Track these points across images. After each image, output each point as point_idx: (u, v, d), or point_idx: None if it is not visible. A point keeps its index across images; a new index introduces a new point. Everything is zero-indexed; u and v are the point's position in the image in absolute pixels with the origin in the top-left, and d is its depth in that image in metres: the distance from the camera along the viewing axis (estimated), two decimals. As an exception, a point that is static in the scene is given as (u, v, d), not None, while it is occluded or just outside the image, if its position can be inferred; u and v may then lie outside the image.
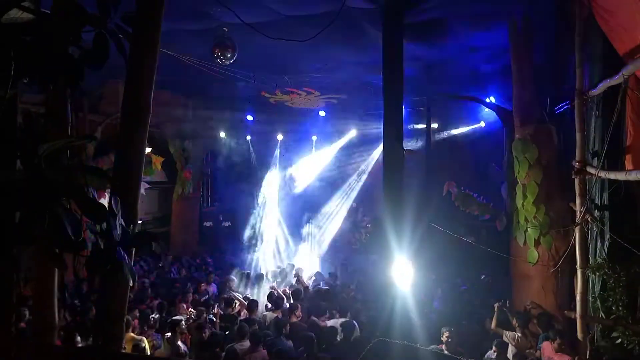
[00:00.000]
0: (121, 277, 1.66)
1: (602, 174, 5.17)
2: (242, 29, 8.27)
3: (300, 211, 15.91)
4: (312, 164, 16.41)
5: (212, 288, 9.91)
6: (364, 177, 15.77)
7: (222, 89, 12.17)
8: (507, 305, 7.28)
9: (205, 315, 7.56)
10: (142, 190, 12.14)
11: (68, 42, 1.65)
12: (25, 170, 1.48)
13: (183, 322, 6.83)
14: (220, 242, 15.82)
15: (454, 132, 14.01)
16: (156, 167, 12.00)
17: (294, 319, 7.20)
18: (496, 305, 7.12)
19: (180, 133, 14.69)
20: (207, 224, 16.85)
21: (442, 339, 6.43)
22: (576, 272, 5.93)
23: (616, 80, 4.56)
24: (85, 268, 1.64)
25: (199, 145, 15.53)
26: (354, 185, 15.91)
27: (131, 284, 2.30)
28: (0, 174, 1.44)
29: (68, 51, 1.66)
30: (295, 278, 10.19)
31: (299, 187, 16.48)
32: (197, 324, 6.96)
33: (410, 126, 12.71)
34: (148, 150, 12.56)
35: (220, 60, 8.44)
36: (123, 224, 1.74)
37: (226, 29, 8.04)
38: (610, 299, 5.65)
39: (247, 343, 6.07)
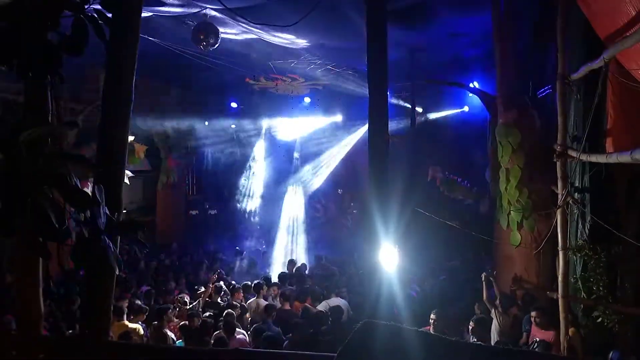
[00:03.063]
0: (106, 266, 1.64)
1: (583, 157, 5.25)
2: (224, 14, 8.19)
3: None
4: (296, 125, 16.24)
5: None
6: (347, 148, 15.66)
7: (205, 77, 12.02)
8: (495, 275, 7.36)
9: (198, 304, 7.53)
10: (126, 179, 12.03)
11: (46, 27, 1.60)
12: (5, 159, 1.45)
13: (170, 310, 6.82)
14: (207, 231, 15.77)
15: (438, 115, 14.05)
16: (139, 155, 11.84)
17: (283, 305, 7.25)
18: (483, 275, 7.20)
19: (163, 121, 14.50)
20: (193, 212, 16.75)
21: (429, 321, 6.54)
22: (558, 253, 6.04)
23: (597, 64, 4.60)
24: (70, 257, 1.62)
25: (183, 133, 15.34)
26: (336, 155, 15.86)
27: (117, 272, 2.29)
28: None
29: (46, 37, 1.62)
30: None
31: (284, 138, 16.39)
32: (190, 312, 6.93)
33: (395, 100, 12.64)
34: (131, 138, 12.38)
35: (203, 46, 8.32)
36: (107, 212, 1.73)
37: (207, 14, 7.91)
38: (591, 280, 5.78)
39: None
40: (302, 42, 9.83)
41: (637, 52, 3.93)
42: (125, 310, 6.70)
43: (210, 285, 8.02)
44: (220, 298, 7.92)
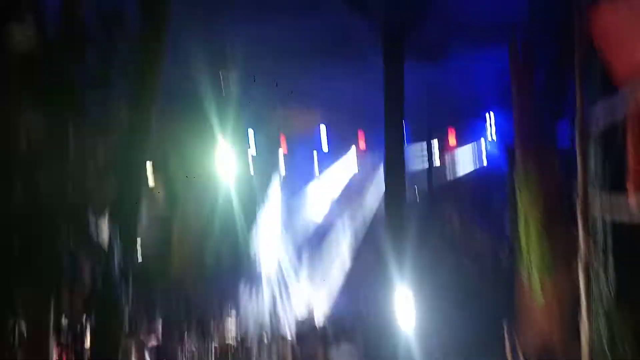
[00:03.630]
0: (117, 319, 1.56)
1: (606, 212, 5.09)
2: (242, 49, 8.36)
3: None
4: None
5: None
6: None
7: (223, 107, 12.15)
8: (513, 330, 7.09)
9: None
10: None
11: (72, 63, 1.61)
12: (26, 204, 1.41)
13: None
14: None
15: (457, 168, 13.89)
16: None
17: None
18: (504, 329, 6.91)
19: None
20: (209, 259, 16.53)
21: None
22: (581, 309, 5.78)
23: (618, 103, 4.51)
24: (83, 308, 1.55)
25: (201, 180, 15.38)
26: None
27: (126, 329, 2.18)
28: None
29: (71, 73, 1.62)
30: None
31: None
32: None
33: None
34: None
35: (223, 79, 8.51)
36: (122, 261, 1.66)
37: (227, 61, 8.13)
38: (617, 342, 5.48)
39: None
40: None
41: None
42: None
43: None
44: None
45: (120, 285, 1.42)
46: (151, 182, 10.61)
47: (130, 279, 1.55)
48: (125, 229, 2.18)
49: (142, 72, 2.37)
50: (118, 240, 1.50)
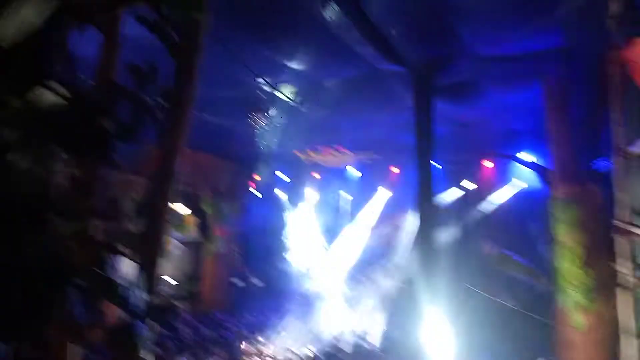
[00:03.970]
0: (138, 354, 1.60)
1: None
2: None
3: None
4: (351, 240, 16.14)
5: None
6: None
7: (254, 150, 12.44)
8: None
9: None
10: (173, 249, 12.21)
11: (104, 116, 1.71)
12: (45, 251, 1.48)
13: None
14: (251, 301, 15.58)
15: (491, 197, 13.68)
16: (189, 226, 12.14)
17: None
18: None
19: (214, 192, 14.97)
20: (238, 282, 16.67)
21: None
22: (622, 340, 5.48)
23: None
24: (106, 345, 1.60)
25: (232, 204, 15.70)
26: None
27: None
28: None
29: (103, 126, 1.72)
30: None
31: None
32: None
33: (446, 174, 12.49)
34: (188, 212, 12.80)
35: (256, 122, 8.75)
36: (144, 296, 1.72)
37: (263, 96, 8.37)
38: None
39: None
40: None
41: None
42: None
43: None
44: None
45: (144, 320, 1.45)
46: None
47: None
48: (148, 266, 2.23)
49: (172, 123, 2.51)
50: (142, 278, 1.55)
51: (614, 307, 5.93)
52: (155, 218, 2.63)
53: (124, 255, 1.67)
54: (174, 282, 14.36)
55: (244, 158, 13.93)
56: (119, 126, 1.75)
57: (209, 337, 10.90)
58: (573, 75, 7.12)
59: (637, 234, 5.22)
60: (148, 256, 2.50)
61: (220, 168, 13.77)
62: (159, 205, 2.69)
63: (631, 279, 5.29)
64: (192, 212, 12.59)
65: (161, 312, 1.87)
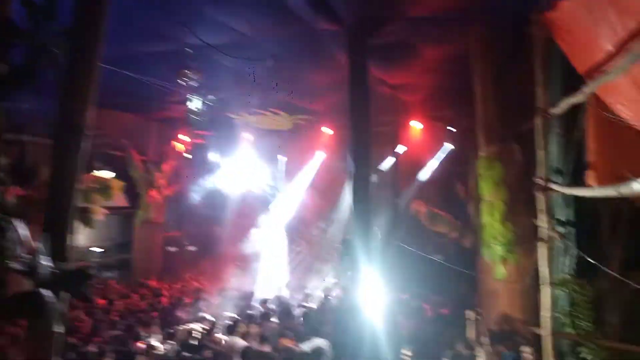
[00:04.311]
0: (44, 323, 1.44)
1: (566, 191, 5.21)
2: (205, 50, 8.17)
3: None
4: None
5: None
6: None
7: (184, 111, 11.91)
8: (480, 311, 7.24)
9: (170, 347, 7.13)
10: (101, 217, 11.62)
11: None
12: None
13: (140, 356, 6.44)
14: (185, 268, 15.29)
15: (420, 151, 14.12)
16: (116, 191, 11.52)
17: (262, 347, 6.92)
18: (471, 313, 7.05)
19: (142, 155, 14.26)
20: (172, 249, 16.26)
21: (402, 357, 6.37)
22: (541, 284, 5.93)
23: (578, 98, 4.62)
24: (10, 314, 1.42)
25: (162, 167, 15.08)
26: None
27: (62, 330, 2.03)
28: None
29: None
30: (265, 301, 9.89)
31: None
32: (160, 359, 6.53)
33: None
34: (110, 175, 12.08)
35: (185, 82, 8.27)
36: (50, 263, 1.53)
37: (191, 51, 7.88)
38: (577, 315, 5.66)
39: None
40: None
41: (616, 86, 3.95)
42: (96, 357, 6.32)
43: (184, 327, 7.63)
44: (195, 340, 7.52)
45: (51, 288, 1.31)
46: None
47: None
48: (58, 229, 2.01)
49: (74, 68, 2.20)
50: (49, 243, 1.38)
51: (534, 255, 6.39)
52: (64, 182, 2.37)
53: (24, 220, 1.48)
54: (99, 251, 13.72)
55: (174, 119, 13.30)
56: (12, 69, 1.50)
57: (142, 307, 10.57)
58: (500, 37, 7.31)
59: (554, 190, 5.55)
60: (57, 222, 2.27)
61: (148, 130, 13.08)
62: (67, 167, 2.41)
63: (548, 233, 5.66)
64: (118, 177, 11.92)
65: (72, 279, 1.70)
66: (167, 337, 7.67)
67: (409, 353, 6.39)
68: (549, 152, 5.92)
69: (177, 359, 6.73)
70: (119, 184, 11.61)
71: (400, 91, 10.61)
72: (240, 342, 7.20)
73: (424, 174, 13.23)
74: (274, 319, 8.39)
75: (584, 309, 5.65)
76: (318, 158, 15.80)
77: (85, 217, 11.39)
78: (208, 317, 8.32)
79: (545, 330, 5.55)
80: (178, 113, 12.44)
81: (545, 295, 5.65)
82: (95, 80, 2.45)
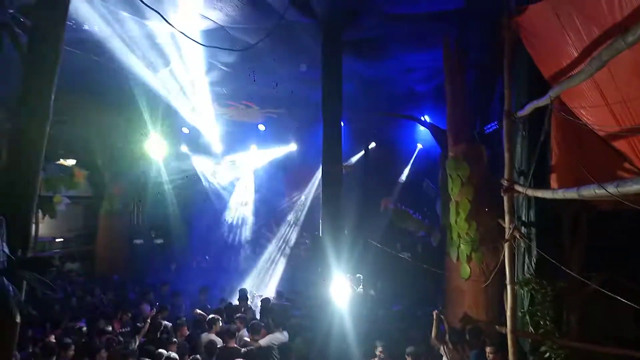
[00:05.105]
0: (3, 312, 1.38)
1: (530, 192, 5.34)
2: (176, 38, 8.01)
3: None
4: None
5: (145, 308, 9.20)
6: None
7: (154, 100, 11.66)
8: (444, 311, 7.38)
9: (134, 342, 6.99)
10: (63, 206, 11.25)
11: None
12: None
13: (104, 350, 6.29)
14: (152, 261, 15.00)
15: (391, 149, 14.27)
16: (79, 180, 11.18)
17: (228, 342, 6.86)
18: (435, 312, 7.18)
19: (109, 144, 13.86)
20: (138, 241, 15.90)
21: (376, 352, 6.42)
22: (506, 287, 6.07)
23: (543, 102, 4.73)
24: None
25: (129, 157, 14.66)
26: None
27: (18, 320, 1.95)
28: None
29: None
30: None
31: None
32: (122, 354, 6.38)
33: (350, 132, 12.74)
34: (72, 162, 11.71)
35: (156, 69, 8.09)
36: (6, 249, 1.46)
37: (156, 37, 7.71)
38: (538, 314, 5.81)
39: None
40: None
41: (580, 91, 4.06)
42: (55, 349, 6.14)
43: (149, 322, 7.48)
44: (161, 335, 7.40)
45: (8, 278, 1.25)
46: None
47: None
48: (17, 216, 1.91)
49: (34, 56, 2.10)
50: (3, 229, 1.31)
51: (498, 253, 6.53)
52: (24, 169, 2.25)
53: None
54: (58, 240, 13.29)
55: (143, 107, 12.98)
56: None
57: (105, 300, 10.32)
58: (471, 38, 7.42)
59: (518, 191, 5.68)
60: (17, 210, 2.16)
61: (115, 118, 12.68)
62: (27, 154, 2.30)
63: (513, 232, 5.79)
64: (82, 166, 11.56)
65: (31, 268, 1.63)
66: (131, 330, 7.53)
67: (381, 348, 6.46)
68: (515, 153, 6.06)
69: (141, 353, 6.61)
70: (82, 173, 11.27)
71: (376, 87, 10.67)
72: (206, 337, 7.14)
73: (395, 172, 13.37)
74: (241, 314, 8.32)
75: (545, 308, 5.79)
76: (289, 152, 15.77)
77: (47, 206, 11.02)
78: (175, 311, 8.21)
79: (509, 328, 5.69)
80: (150, 102, 12.18)
81: (509, 294, 5.79)
82: (57, 62, 2.33)
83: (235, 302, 9.53)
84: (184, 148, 15.97)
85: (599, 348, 5.76)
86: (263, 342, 6.98)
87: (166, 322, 7.78)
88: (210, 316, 7.67)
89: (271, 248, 15.32)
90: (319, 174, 14.54)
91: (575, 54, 3.87)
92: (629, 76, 3.35)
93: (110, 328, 7.65)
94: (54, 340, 6.71)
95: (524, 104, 5.47)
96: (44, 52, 2.26)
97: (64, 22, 2.37)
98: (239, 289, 10.30)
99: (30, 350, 6.68)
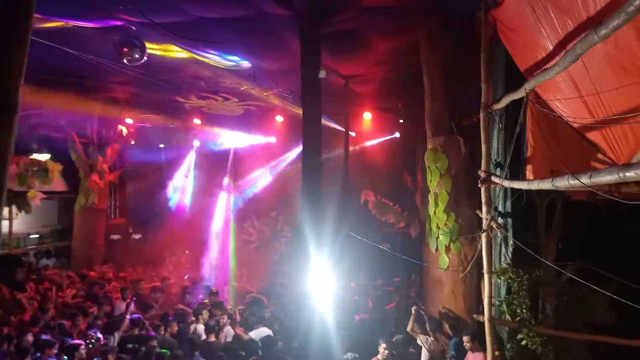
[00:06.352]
0: None
1: (506, 184, 5.43)
2: (152, 29, 7.83)
3: None
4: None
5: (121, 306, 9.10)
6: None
7: (130, 93, 11.43)
8: (424, 308, 7.51)
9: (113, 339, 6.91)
10: (38, 202, 10.99)
11: None
12: None
13: (82, 347, 6.20)
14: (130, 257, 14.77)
15: (371, 140, 14.33)
16: (54, 175, 10.93)
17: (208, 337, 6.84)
18: (413, 308, 7.31)
19: (83, 138, 13.58)
20: (115, 237, 15.65)
21: (379, 349, 6.45)
22: (483, 276, 6.18)
23: (518, 94, 4.80)
24: None
25: (105, 151, 14.40)
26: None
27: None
28: None
29: None
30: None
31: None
32: (103, 349, 6.31)
33: (329, 124, 12.71)
34: (46, 157, 11.43)
35: (128, 60, 7.86)
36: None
37: (134, 28, 7.50)
38: (515, 302, 5.94)
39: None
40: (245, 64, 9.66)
41: (554, 84, 4.12)
42: (31, 347, 6.03)
43: (128, 317, 7.41)
44: (139, 331, 7.32)
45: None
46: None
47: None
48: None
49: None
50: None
51: (477, 249, 6.64)
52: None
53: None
54: (33, 236, 13.01)
55: (119, 101, 12.73)
56: None
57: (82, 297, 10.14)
58: (450, 33, 7.47)
59: (496, 183, 5.77)
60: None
61: (90, 111, 12.40)
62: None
63: (490, 223, 5.89)
64: (57, 160, 11.30)
65: (2, 265, 1.57)
66: (109, 327, 7.45)
67: (384, 346, 6.49)
68: (491, 145, 6.15)
69: (120, 350, 6.54)
70: (57, 167, 11.02)
71: (353, 82, 10.65)
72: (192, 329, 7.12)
73: (374, 164, 13.44)
74: (221, 309, 8.30)
75: (521, 296, 5.92)
76: (267, 144, 15.69)
77: (21, 201, 10.75)
78: (156, 307, 8.14)
79: (486, 317, 5.81)
80: (124, 95, 11.94)
81: (487, 283, 5.90)
82: (25, 52, 2.25)
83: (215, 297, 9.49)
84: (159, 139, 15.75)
85: (574, 335, 5.95)
86: (253, 335, 7.02)
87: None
88: (196, 307, 7.66)
89: (253, 241, 15.29)
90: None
91: (551, 47, 3.93)
92: (602, 69, 3.41)
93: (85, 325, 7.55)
94: (31, 339, 6.58)
95: (501, 96, 5.55)
96: (10, 41, 2.19)
97: (32, 10, 2.29)
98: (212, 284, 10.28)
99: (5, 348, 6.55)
